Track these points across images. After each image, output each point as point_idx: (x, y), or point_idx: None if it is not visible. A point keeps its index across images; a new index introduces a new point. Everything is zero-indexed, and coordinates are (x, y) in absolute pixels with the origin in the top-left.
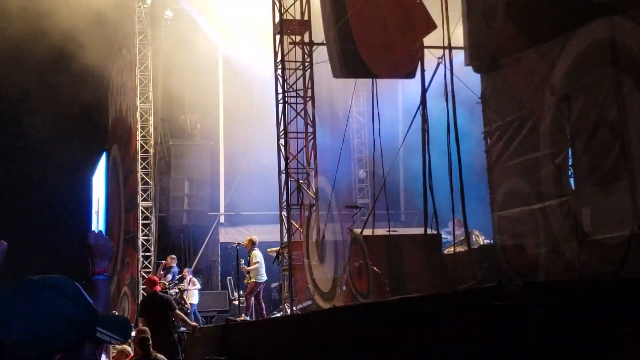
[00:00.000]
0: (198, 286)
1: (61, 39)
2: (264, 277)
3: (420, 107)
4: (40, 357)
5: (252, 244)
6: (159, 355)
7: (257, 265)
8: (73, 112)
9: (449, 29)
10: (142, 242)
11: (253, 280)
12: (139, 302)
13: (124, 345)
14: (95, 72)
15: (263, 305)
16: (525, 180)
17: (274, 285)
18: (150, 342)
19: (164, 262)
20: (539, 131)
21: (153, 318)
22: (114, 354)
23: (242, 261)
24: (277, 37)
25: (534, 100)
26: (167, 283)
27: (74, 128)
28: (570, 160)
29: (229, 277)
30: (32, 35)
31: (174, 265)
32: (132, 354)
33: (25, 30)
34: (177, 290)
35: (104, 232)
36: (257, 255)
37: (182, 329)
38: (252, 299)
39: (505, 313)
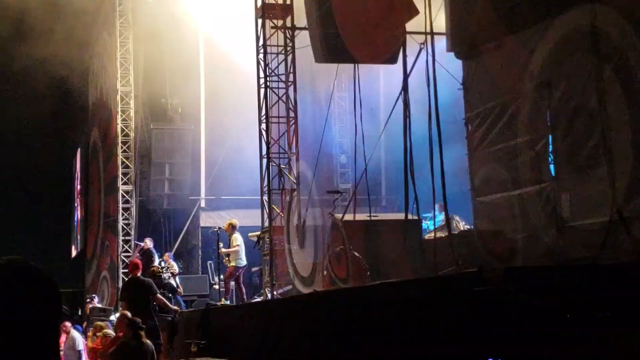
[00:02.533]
0: (174, 270)
1: (40, 20)
2: (243, 262)
3: (402, 92)
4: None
5: (232, 227)
6: (147, 341)
7: (237, 248)
8: (53, 95)
9: (431, 15)
10: (122, 226)
11: (232, 264)
12: (120, 286)
13: (107, 330)
14: (76, 55)
15: (243, 289)
16: (502, 166)
17: (254, 269)
18: (142, 326)
19: (141, 244)
20: (518, 118)
21: (134, 302)
22: (96, 340)
23: (222, 244)
24: (259, 21)
25: (514, 86)
26: (161, 268)
27: (54, 111)
28: (551, 146)
29: (209, 262)
30: (8, 14)
31: (151, 246)
32: (113, 337)
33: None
34: (170, 275)
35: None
36: (238, 238)
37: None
38: (232, 283)
39: (486, 298)
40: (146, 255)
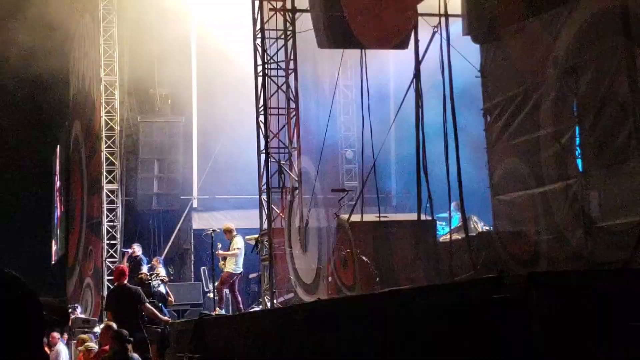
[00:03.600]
0: (164, 277)
1: (15, 2)
2: (240, 269)
3: (414, 80)
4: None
5: (229, 232)
6: (135, 355)
7: (236, 251)
8: (29, 86)
9: None
10: (107, 229)
11: (227, 270)
12: (105, 294)
13: (90, 343)
14: (55, 41)
15: (239, 298)
16: (524, 161)
17: (252, 276)
18: (129, 338)
19: (129, 250)
20: (541, 108)
21: (120, 312)
22: (79, 354)
23: (219, 245)
24: (256, 2)
25: (537, 73)
26: (149, 274)
27: (31, 103)
28: (578, 139)
29: (203, 267)
30: None
31: (140, 253)
32: (97, 350)
33: None
34: (159, 282)
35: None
36: (239, 242)
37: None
38: (226, 290)
39: (506, 306)
40: (134, 262)
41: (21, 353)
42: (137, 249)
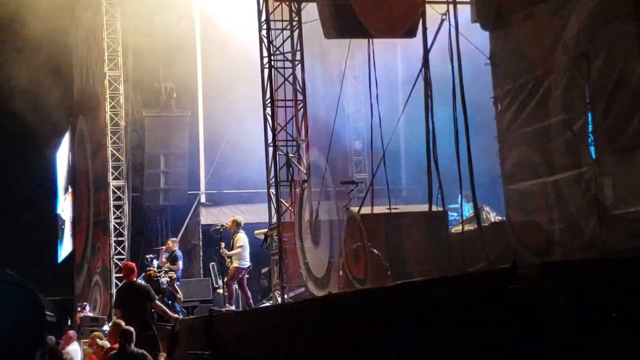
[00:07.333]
0: (172, 275)
1: None
2: (247, 263)
3: (423, 69)
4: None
5: (236, 225)
6: (137, 350)
7: (239, 250)
8: (32, 82)
9: None
10: (114, 226)
11: (235, 265)
12: (114, 292)
13: (103, 341)
14: (57, 36)
15: (248, 293)
16: (536, 149)
17: (263, 271)
18: (133, 337)
19: (163, 247)
20: (553, 95)
21: (130, 310)
22: (91, 351)
23: (223, 245)
24: None
25: (548, 60)
26: (157, 270)
27: (33, 99)
28: (590, 126)
29: (212, 263)
30: None
31: (176, 248)
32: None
33: None
34: (168, 279)
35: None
36: (242, 238)
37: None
38: (235, 286)
39: (520, 297)
40: (171, 258)
41: (23, 351)
42: (174, 245)
